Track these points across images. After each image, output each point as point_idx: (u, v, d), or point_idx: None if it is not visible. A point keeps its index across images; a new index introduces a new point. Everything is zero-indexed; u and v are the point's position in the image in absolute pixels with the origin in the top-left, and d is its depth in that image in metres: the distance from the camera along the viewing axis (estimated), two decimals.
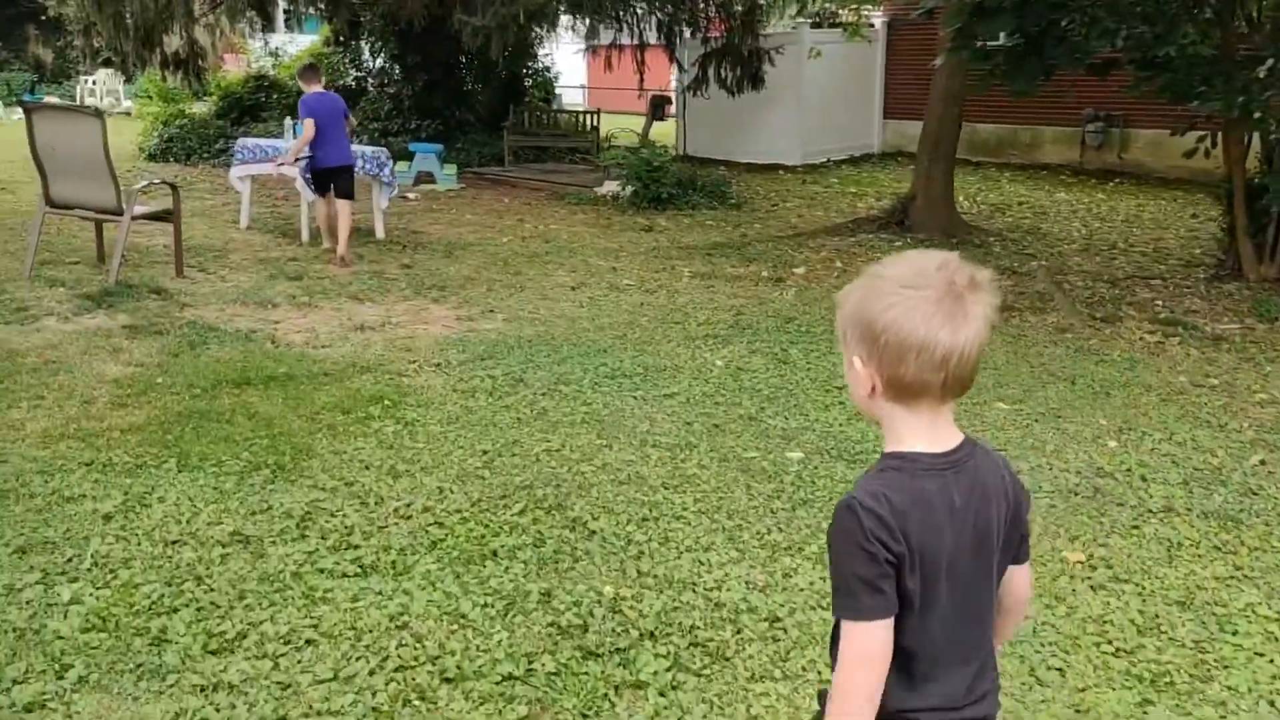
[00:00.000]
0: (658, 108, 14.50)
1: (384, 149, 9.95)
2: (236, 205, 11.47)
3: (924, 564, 1.45)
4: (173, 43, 16.86)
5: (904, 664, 1.48)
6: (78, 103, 26.64)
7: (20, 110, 7.41)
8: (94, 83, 27.60)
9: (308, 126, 8.38)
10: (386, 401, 5.06)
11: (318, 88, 8.84)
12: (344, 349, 6.08)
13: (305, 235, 9.60)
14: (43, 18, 27.43)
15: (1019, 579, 1.64)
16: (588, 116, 16.01)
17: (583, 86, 28.50)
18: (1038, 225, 11.48)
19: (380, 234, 9.95)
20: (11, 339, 5.95)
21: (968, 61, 8.75)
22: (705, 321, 7.00)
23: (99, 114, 7.15)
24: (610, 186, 13.35)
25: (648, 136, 14.69)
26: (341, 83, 19.29)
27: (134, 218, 7.43)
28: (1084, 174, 14.79)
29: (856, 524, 1.42)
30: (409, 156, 14.82)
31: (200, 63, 17.22)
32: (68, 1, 14.77)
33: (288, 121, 10.34)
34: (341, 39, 19.17)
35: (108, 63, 21.09)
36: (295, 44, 20.05)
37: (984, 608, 1.55)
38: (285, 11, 17.57)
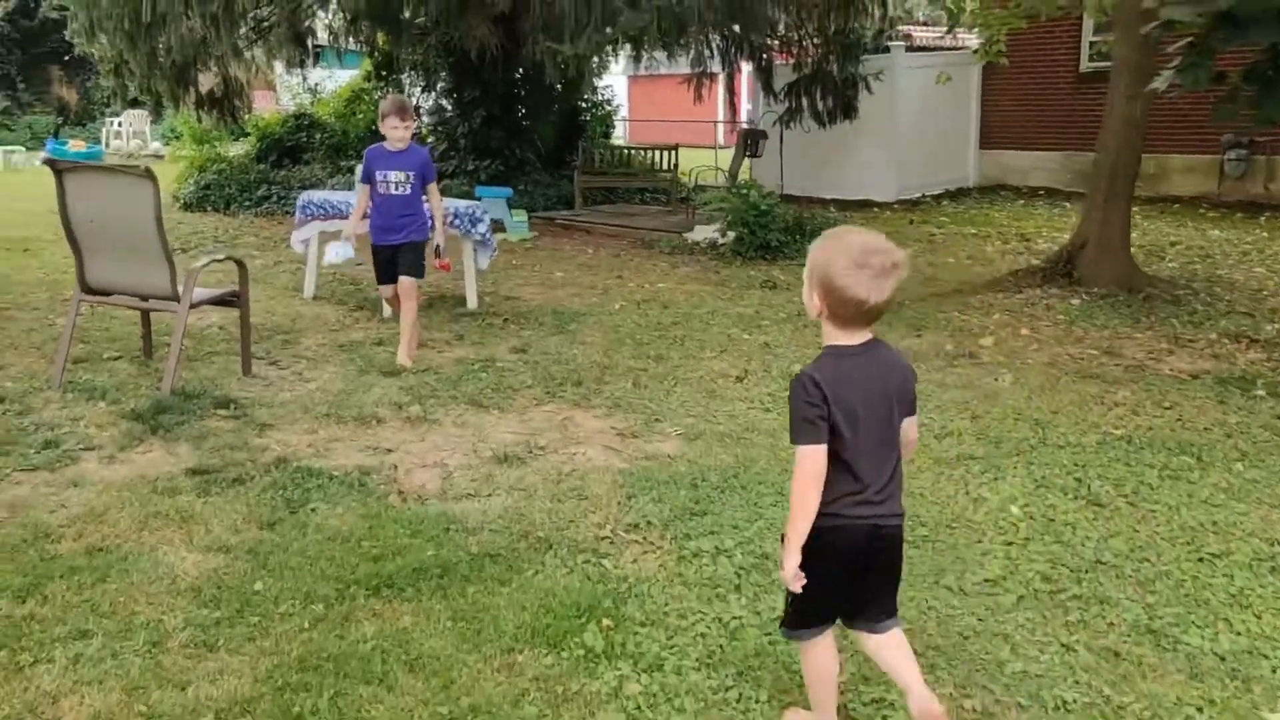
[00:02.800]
0: (753, 142, 12.76)
1: (478, 203, 8.21)
2: (293, 266, 9.75)
3: (844, 407, 2.37)
4: (207, 80, 15.25)
5: (847, 471, 2.42)
6: (103, 145, 25.06)
7: (43, 158, 5.57)
8: (119, 124, 26.02)
9: (360, 196, 6.66)
10: (603, 619, 3.26)
11: (390, 136, 6.36)
12: (497, 501, 4.29)
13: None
14: (67, 57, 26.00)
15: (909, 426, 2.54)
16: (662, 154, 14.27)
17: (623, 119, 26.80)
18: (1215, 272, 9.69)
19: (473, 303, 8.19)
20: (39, 503, 4.16)
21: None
22: (939, 432, 5.21)
23: (150, 176, 5.40)
24: (704, 232, 11.60)
25: (736, 175, 12.93)
26: None
27: (193, 305, 5.68)
28: (1224, 206, 12.99)
29: (801, 385, 2.39)
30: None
31: (236, 101, 15.59)
32: (98, 39, 13.10)
33: (358, 171, 8.61)
34: (384, 73, 17.52)
35: (135, 103, 19.50)
36: (334, 79, 18.40)
37: (891, 438, 2.48)
38: (315, 50, 15.84)
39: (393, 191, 6.35)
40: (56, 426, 5.04)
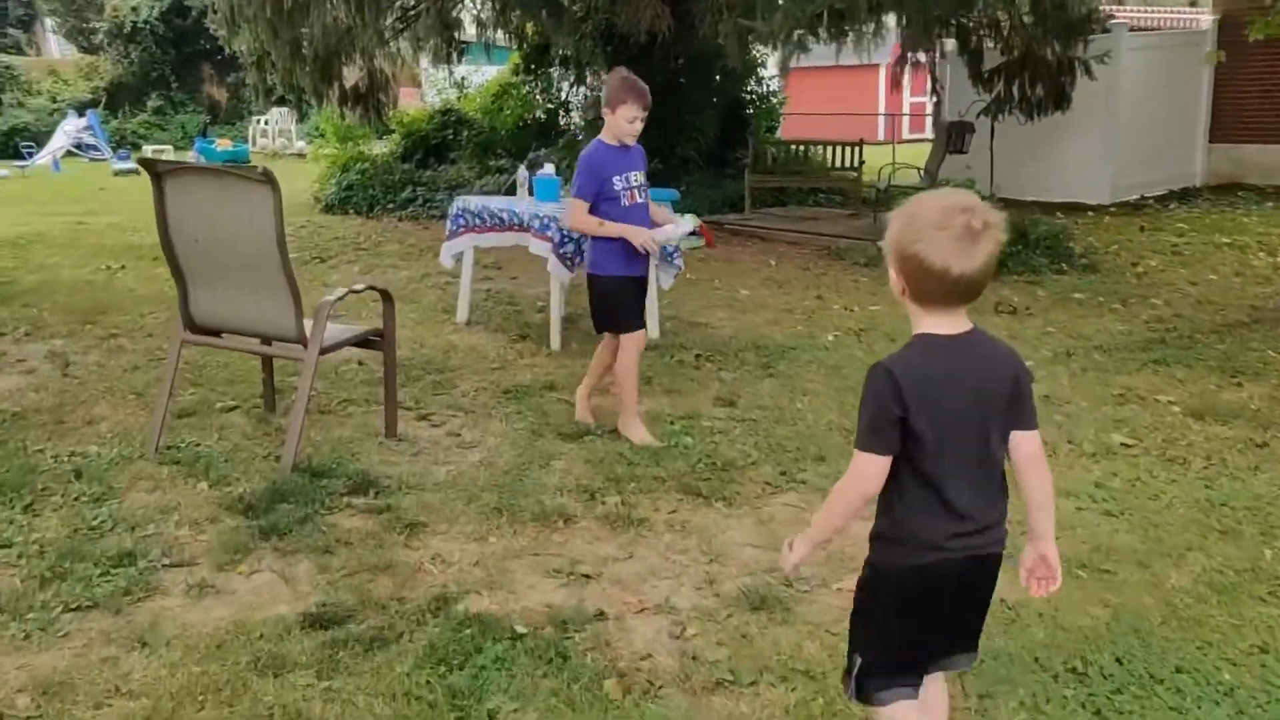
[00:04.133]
0: (958, 136, 10.90)
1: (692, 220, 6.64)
2: (442, 280, 8.37)
3: (929, 413, 1.87)
4: (352, 74, 14.14)
5: (933, 493, 1.92)
6: (249, 144, 24.53)
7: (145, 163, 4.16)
8: (266, 123, 25.49)
9: (576, 212, 4.70)
10: None
11: (621, 129, 4.57)
12: (772, 697, 2.69)
13: (556, 340, 6.34)
14: (219, 56, 25.61)
15: (1024, 442, 1.99)
16: (843, 151, 12.48)
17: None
18: None
19: (655, 331, 6.64)
20: (83, 684, 2.71)
21: None
22: None
23: (269, 180, 3.99)
24: None
25: (936, 174, 11.07)
26: (532, 116, 16.30)
27: (324, 350, 4.25)
28: None
29: (878, 379, 1.89)
30: None
31: (381, 96, 14.43)
32: (239, 29, 12.05)
33: (521, 173, 7.13)
34: (533, 66, 16.17)
35: (281, 100, 18.65)
36: (482, 74, 17.14)
37: (990, 455, 1.96)
38: (460, 45, 14.50)
39: (638, 199, 4.76)
40: (140, 524, 3.64)
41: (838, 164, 12.53)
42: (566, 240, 6.10)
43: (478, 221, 6.75)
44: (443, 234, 7.21)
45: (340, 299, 4.38)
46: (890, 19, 10.62)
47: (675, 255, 6.59)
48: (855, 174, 12.18)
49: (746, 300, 7.93)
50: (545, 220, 6.22)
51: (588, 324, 6.98)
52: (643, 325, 4.83)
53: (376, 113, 14.45)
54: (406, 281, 8.64)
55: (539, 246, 6.31)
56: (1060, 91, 11.60)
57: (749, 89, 15.38)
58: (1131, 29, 12.66)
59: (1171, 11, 13.66)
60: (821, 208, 12.95)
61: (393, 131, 15.99)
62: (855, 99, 24.22)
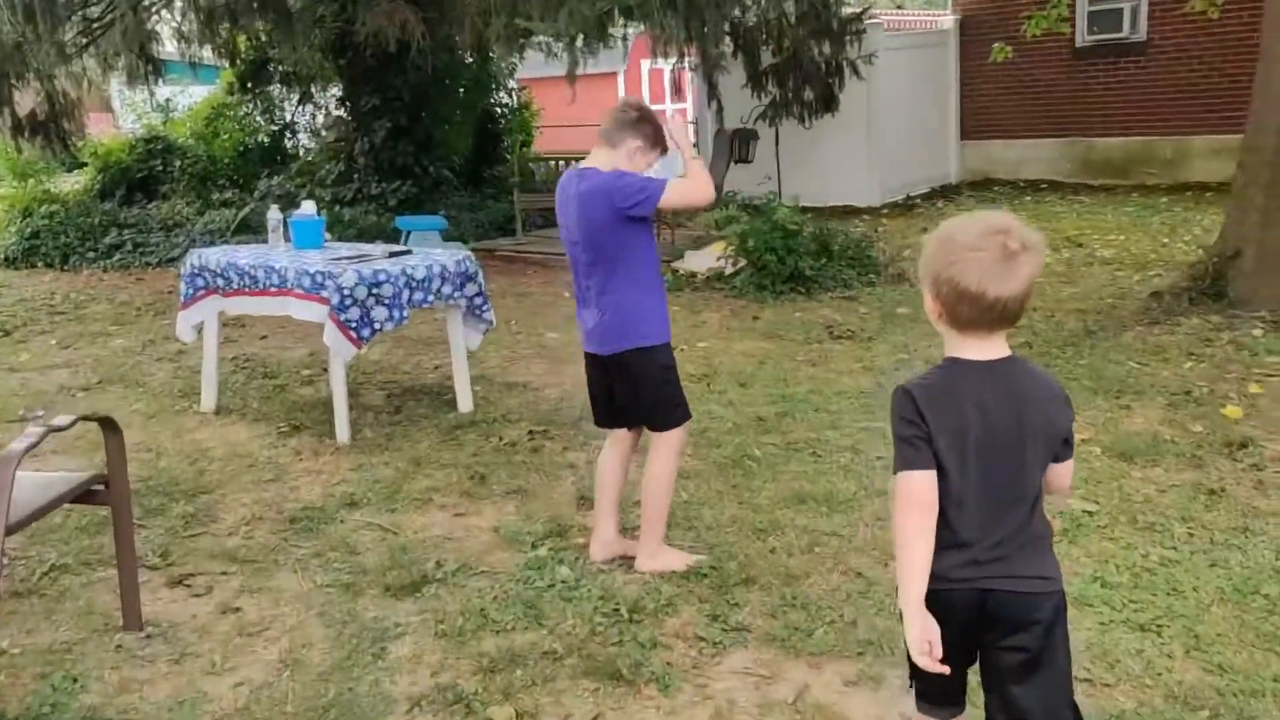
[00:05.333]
0: (742, 144, 10.05)
1: (466, 252, 5.27)
2: (170, 347, 6.61)
3: (947, 441, 1.80)
4: (27, 99, 11.71)
5: (943, 519, 1.83)
6: None
7: None
8: None
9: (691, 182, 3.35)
10: None
11: (632, 156, 3.32)
12: None
13: (345, 431, 4.82)
14: None
15: (1063, 470, 1.91)
16: None
17: None
18: None
19: (466, 403, 5.27)
20: None
21: None
22: None
23: None
24: (701, 261, 8.90)
25: (721, 186, 10.23)
26: (254, 141, 14.30)
27: (10, 530, 2.65)
28: None
29: (898, 401, 1.84)
30: (394, 238, 10.05)
31: (66, 123, 12.09)
32: None
33: (273, 215, 5.51)
34: (249, 85, 14.15)
35: None
36: (189, 94, 14.87)
37: (1020, 491, 1.84)
38: (156, 63, 12.27)
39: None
40: None
41: None
42: (349, 302, 4.62)
43: (221, 282, 5.11)
44: (163, 284, 5.58)
45: (35, 444, 2.77)
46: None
47: (485, 307, 5.25)
48: None
49: (557, 346, 6.68)
50: (316, 277, 4.71)
51: (376, 400, 5.55)
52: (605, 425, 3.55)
53: (61, 143, 12.08)
54: (124, 355, 6.78)
55: (309, 311, 4.78)
56: (830, 93, 11.11)
57: (499, 101, 14.12)
58: (884, 29, 12.40)
59: (915, 13, 13.62)
60: None
61: (85, 165, 13.52)
62: (595, 109, 23.42)
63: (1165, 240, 9.30)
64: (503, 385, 5.77)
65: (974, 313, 1.81)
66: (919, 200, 12.46)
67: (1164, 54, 11.65)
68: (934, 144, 13.13)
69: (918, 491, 1.82)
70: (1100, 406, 4.98)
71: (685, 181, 3.31)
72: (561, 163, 12.49)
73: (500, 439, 4.80)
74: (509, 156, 13.22)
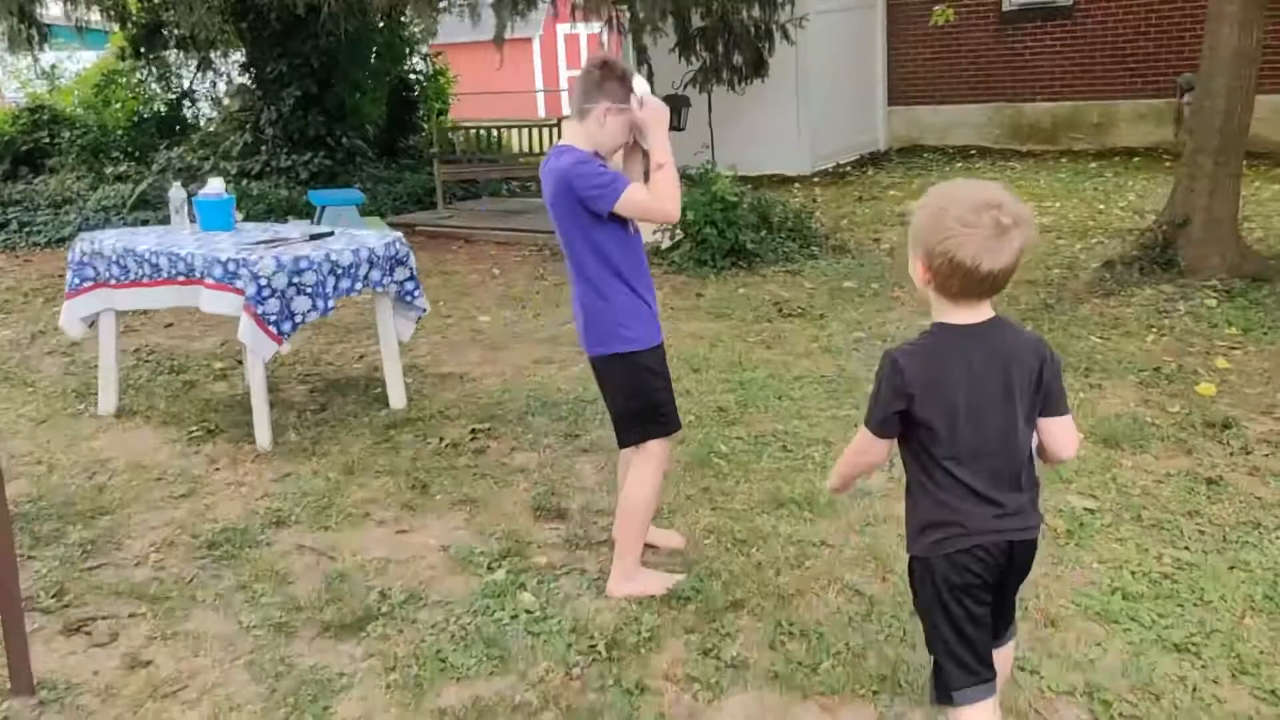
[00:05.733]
0: (675, 111, 9.57)
1: (396, 234, 4.75)
2: (62, 339, 5.97)
3: (941, 402, 1.87)
4: None
5: (956, 482, 1.90)
6: None
7: None
8: None
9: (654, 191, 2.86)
10: None
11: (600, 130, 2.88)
12: None
13: (265, 435, 4.31)
14: None
15: (1055, 428, 1.97)
16: (540, 132, 10.89)
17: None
18: None
19: (399, 399, 4.79)
20: None
21: None
22: None
23: None
24: None
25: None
26: (150, 110, 13.37)
27: None
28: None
29: (887, 369, 1.90)
30: (307, 213, 9.40)
31: None
32: None
33: (175, 193, 4.90)
34: (142, 50, 13.17)
35: None
36: (78, 61, 13.82)
37: (1015, 442, 1.91)
38: (42, 27, 11.29)
39: (638, 228, 3.05)
40: None
41: (532, 148, 10.93)
42: (267, 293, 4.10)
43: (117, 271, 4.53)
44: (53, 267, 5.02)
45: None
46: None
47: (417, 293, 4.76)
48: None
49: (492, 330, 6.22)
50: (229, 265, 4.17)
51: (299, 397, 5.03)
52: (679, 422, 3.11)
53: None
54: (9, 349, 6.12)
55: (222, 304, 4.24)
56: (760, 58, 10.73)
57: (413, 68, 13.41)
58: None
59: None
60: (518, 197, 11.35)
61: None
62: (507, 76, 22.67)
63: (1101, 207, 9.16)
64: (436, 377, 5.30)
65: (966, 285, 1.86)
66: (850, 168, 12.18)
67: (1090, 17, 11.52)
68: (862, 111, 12.85)
69: (872, 453, 2.02)
70: (1073, 386, 4.71)
71: (649, 195, 2.83)
72: (484, 130, 11.92)
73: (440, 440, 4.35)
74: (425, 125, 12.54)
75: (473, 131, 11.59)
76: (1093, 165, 11.08)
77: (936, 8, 8.11)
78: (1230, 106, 6.51)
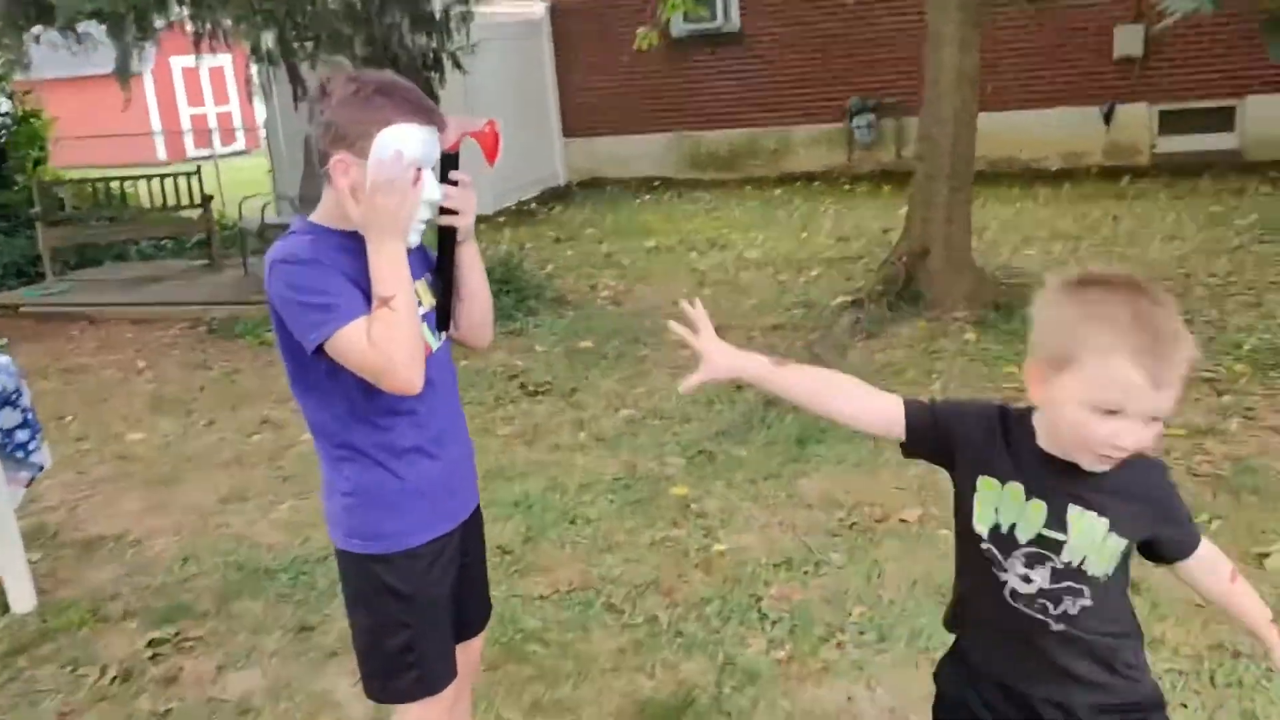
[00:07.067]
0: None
1: (3, 358, 3.12)
2: None
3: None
4: None
5: None
6: None
7: None
8: None
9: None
10: None
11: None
12: None
13: (28, 596, 2.56)
14: None
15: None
16: (174, 182, 8.93)
17: None
18: (1049, 265, 7.35)
19: (27, 601, 3.16)
20: None
21: None
22: None
23: None
24: None
25: (315, 201, 8.27)
26: None
27: None
28: (859, 179, 11.08)
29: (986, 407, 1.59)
30: None
31: None
32: None
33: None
34: None
35: None
36: None
37: None
38: None
39: (433, 348, 1.78)
40: None
41: (165, 201, 8.98)
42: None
43: None
44: None
45: None
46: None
47: (32, 442, 3.16)
48: (203, 211, 8.78)
49: (151, 455, 4.59)
50: None
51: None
52: (452, 673, 1.81)
53: None
54: None
55: None
56: (430, 91, 9.54)
57: None
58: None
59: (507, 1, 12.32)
60: (150, 261, 9.34)
61: None
62: (114, 116, 19.69)
63: (804, 235, 8.86)
64: (78, 545, 3.67)
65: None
66: (534, 204, 11.28)
67: (760, 44, 11.40)
68: (538, 144, 12.00)
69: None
70: (897, 461, 4.01)
71: (369, 344, 1.60)
72: (100, 184, 9.75)
73: (101, 670, 2.82)
74: (19, 180, 10.11)
75: (87, 186, 9.41)
76: (777, 192, 10.91)
77: (639, 30, 7.36)
78: (958, 130, 6.26)
